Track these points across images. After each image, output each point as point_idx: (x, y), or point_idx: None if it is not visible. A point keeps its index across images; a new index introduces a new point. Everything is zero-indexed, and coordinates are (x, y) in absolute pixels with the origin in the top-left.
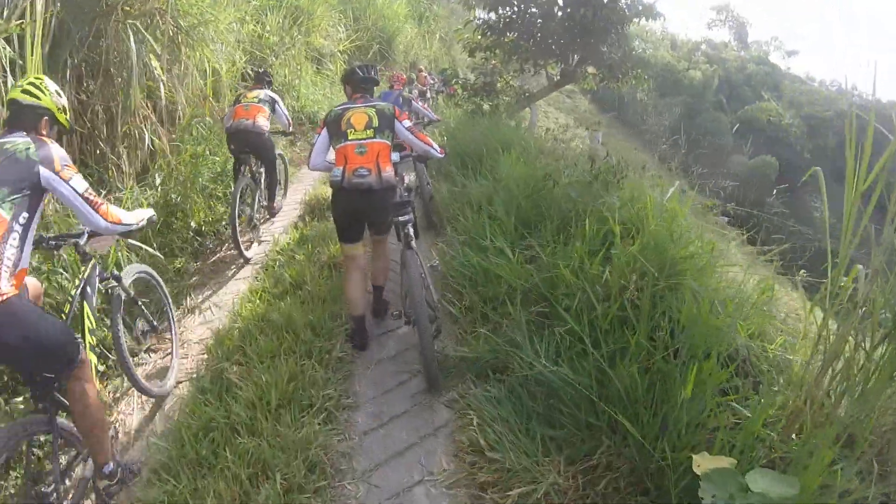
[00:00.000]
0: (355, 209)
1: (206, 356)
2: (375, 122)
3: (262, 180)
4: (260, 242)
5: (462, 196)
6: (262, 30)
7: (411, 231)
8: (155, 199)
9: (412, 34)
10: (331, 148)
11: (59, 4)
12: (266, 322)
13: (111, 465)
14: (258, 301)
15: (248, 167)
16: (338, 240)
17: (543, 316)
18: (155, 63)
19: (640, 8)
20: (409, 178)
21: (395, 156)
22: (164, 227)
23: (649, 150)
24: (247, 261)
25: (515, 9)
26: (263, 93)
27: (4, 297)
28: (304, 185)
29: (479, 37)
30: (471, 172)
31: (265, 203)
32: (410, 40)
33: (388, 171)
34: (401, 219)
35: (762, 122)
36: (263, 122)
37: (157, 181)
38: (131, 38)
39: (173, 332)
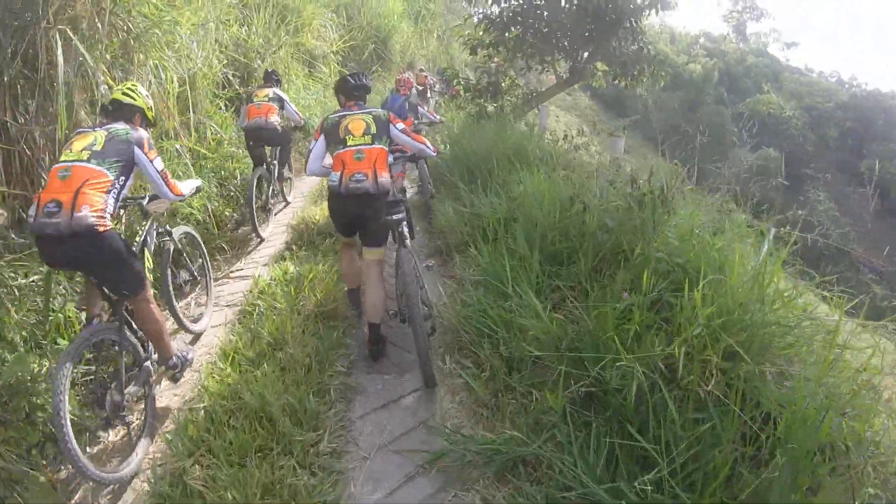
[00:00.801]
0: (351, 213)
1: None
2: (373, 129)
3: (276, 171)
4: (271, 225)
5: (472, 219)
6: (249, 31)
7: (405, 230)
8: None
9: (409, 33)
10: (328, 154)
11: None
12: (237, 402)
13: (174, 359)
14: (229, 369)
15: (263, 159)
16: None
17: (587, 396)
18: (103, 75)
19: None
20: (402, 182)
21: (390, 157)
22: None
23: (652, 146)
24: (262, 240)
25: (520, 0)
26: (272, 91)
27: (107, 227)
28: (294, 205)
29: (481, 33)
30: (479, 187)
31: (279, 190)
32: (407, 40)
33: (385, 177)
34: (394, 217)
35: (763, 115)
36: (275, 118)
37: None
38: (58, 48)
39: (209, 284)
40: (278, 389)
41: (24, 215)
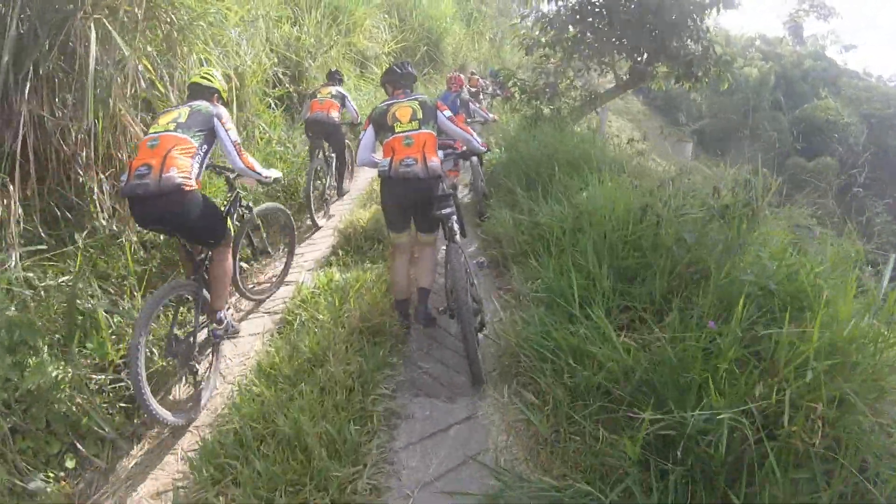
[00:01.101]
0: (402, 198)
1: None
2: (420, 115)
3: (333, 164)
4: (329, 217)
5: (531, 228)
6: (301, 30)
7: (455, 225)
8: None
9: (460, 35)
10: (377, 143)
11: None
12: (270, 427)
13: (222, 312)
14: (263, 387)
15: (321, 151)
16: (386, 229)
17: (664, 439)
18: (145, 68)
19: None
20: (455, 180)
21: (439, 153)
22: None
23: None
24: (318, 227)
25: None
26: (335, 89)
27: (192, 188)
28: (343, 206)
29: (537, 32)
30: (539, 194)
31: (335, 184)
32: (459, 41)
33: (434, 161)
34: (443, 212)
35: (821, 121)
36: (336, 114)
37: None
38: (92, 39)
39: (291, 258)
40: (316, 414)
41: (59, 213)
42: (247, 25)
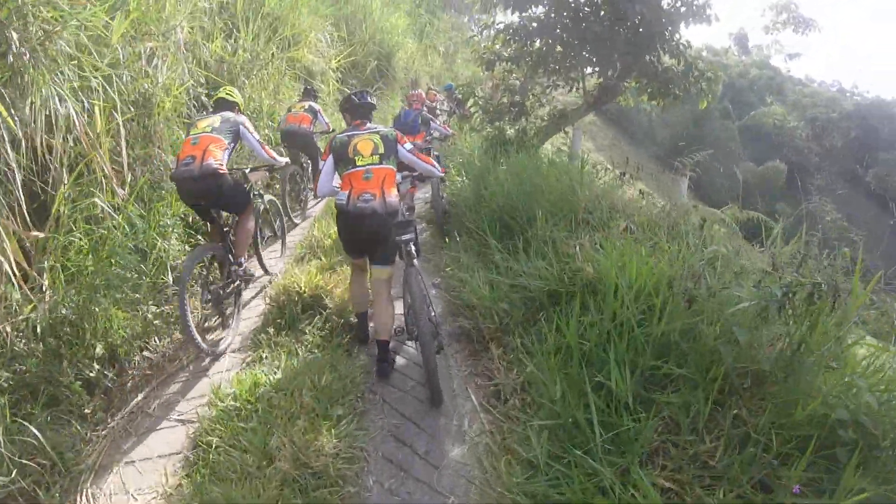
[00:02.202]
0: (359, 232)
1: None
2: (381, 149)
3: (308, 169)
4: (305, 219)
5: (511, 292)
6: (235, 45)
7: (413, 249)
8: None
9: (413, 49)
10: (336, 174)
11: None
12: None
13: (243, 258)
14: None
15: (296, 160)
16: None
17: None
18: None
19: (694, 7)
20: (412, 199)
21: (398, 176)
22: None
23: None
24: (295, 225)
25: (545, 8)
26: (308, 104)
27: (224, 171)
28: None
29: (499, 45)
30: (518, 245)
31: (311, 186)
32: (411, 55)
33: (393, 197)
34: (404, 237)
35: (768, 127)
36: (308, 127)
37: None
38: None
39: (284, 241)
40: None
41: None
42: (157, 39)
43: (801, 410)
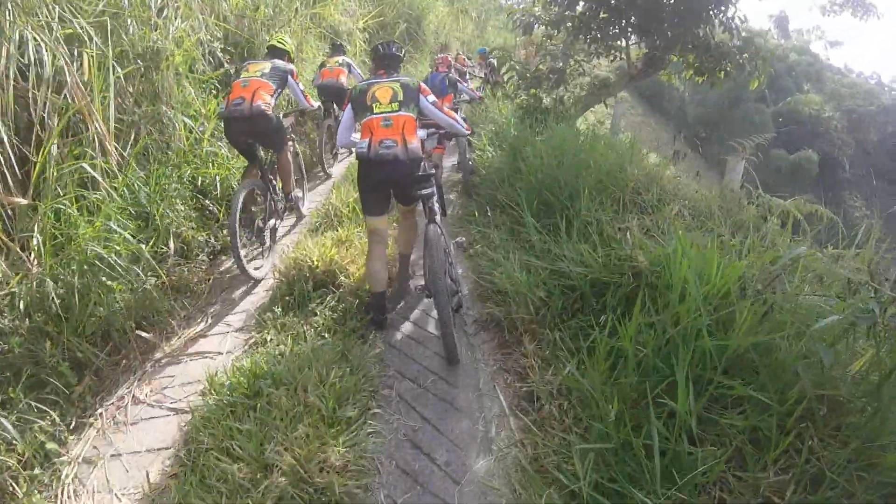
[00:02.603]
0: (381, 180)
1: None
2: (400, 96)
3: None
4: (337, 163)
5: (551, 278)
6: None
7: (435, 206)
8: None
9: (444, 13)
10: (357, 124)
11: None
12: None
13: (292, 195)
14: None
15: (332, 112)
16: (362, 213)
17: None
18: None
19: None
20: (441, 157)
21: (423, 132)
22: None
23: (688, 143)
24: (329, 176)
25: None
26: (342, 58)
27: (270, 113)
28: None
29: (539, 8)
30: (560, 226)
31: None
32: (442, 19)
33: (414, 144)
34: (423, 192)
35: (804, 115)
36: (343, 79)
37: None
38: None
39: (304, 183)
40: None
41: None
42: None
43: (892, 456)
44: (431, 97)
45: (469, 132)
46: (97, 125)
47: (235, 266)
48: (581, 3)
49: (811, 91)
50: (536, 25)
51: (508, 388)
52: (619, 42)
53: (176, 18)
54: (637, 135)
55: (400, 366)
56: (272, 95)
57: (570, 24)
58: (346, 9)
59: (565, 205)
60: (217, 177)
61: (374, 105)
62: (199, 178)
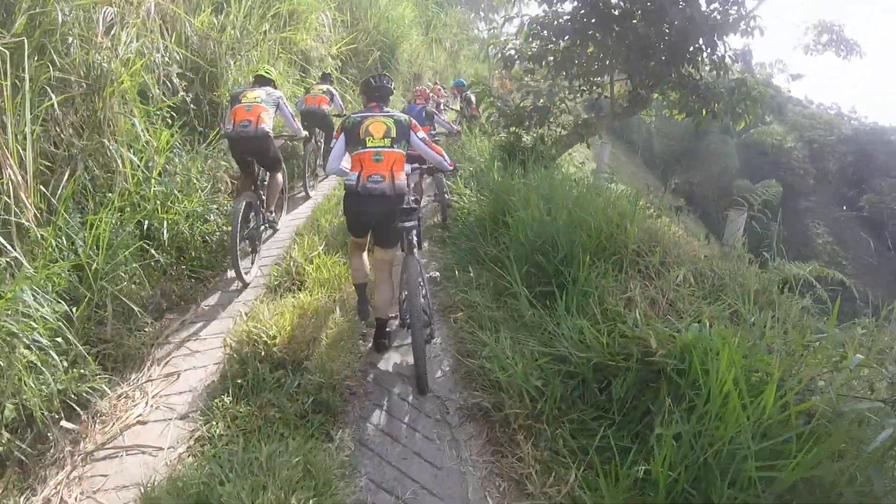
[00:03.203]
0: (366, 212)
1: None
2: (393, 133)
3: (322, 146)
4: (314, 188)
5: (554, 379)
6: (223, 20)
7: (415, 238)
8: None
9: (417, 42)
10: (346, 154)
11: None
12: None
13: (273, 214)
14: None
15: (314, 136)
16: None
17: None
18: None
19: (739, 16)
20: (418, 193)
21: (407, 167)
22: None
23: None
24: (309, 197)
25: (576, 2)
26: (326, 87)
27: (270, 135)
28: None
29: (520, 41)
30: (558, 299)
31: (322, 162)
32: (416, 48)
33: (401, 180)
34: (406, 224)
35: (766, 146)
36: (326, 107)
37: None
38: None
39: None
40: None
41: None
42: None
43: None
44: (422, 133)
45: (452, 168)
46: (11, 172)
47: (231, 270)
48: (565, 38)
49: (774, 122)
50: (517, 60)
51: (503, 499)
52: (602, 79)
53: (126, 38)
54: (620, 178)
55: (374, 471)
56: (271, 119)
57: (551, 58)
58: (319, 34)
59: (559, 269)
60: (165, 221)
61: (367, 139)
62: (154, 222)
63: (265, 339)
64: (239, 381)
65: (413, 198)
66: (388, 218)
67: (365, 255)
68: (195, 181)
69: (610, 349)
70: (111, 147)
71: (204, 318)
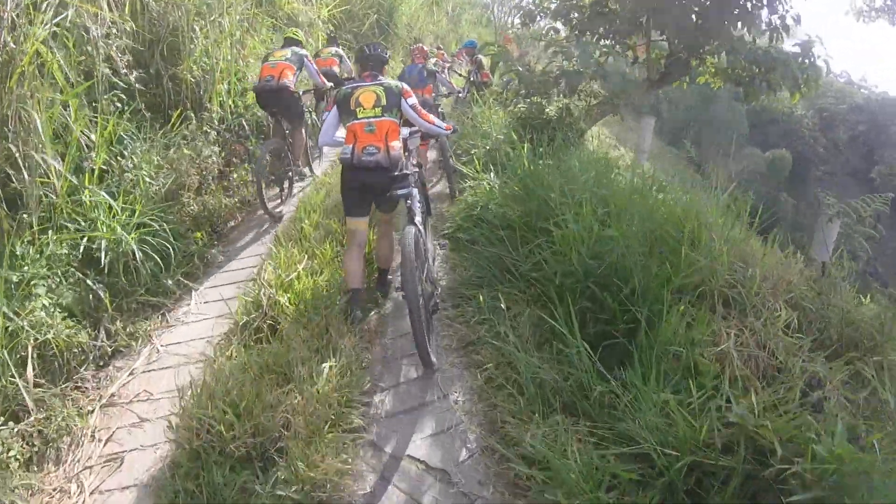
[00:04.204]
0: (363, 185)
1: None
2: (384, 101)
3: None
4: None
5: (632, 488)
6: None
7: (416, 205)
8: None
9: (416, 5)
10: (341, 125)
11: None
12: None
13: (300, 164)
14: None
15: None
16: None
17: None
18: None
19: None
20: (426, 153)
21: (405, 130)
22: None
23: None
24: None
25: None
26: (334, 49)
27: (292, 90)
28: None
29: None
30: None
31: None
32: (415, 12)
33: (396, 150)
34: (399, 192)
35: (776, 114)
36: (336, 69)
37: None
38: None
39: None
40: None
41: None
42: None
43: None
44: (412, 99)
45: (449, 131)
46: None
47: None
48: None
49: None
50: (541, 16)
51: None
52: (634, 39)
53: (48, 8)
54: (615, 133)
55: None
56: (294, 75)
57: (575, 14)
58: None
59: (629, 307)
60: (104, 241)
61: (357, 110)
62: (81, 245)
63: (220, 428)
64: (191, 487)
65: (414, 162)
66: (385, 188)
67: (362, 254)
68: (149, 180)
69: (706, 439)
70: (19, 149)
71: (158, 363)
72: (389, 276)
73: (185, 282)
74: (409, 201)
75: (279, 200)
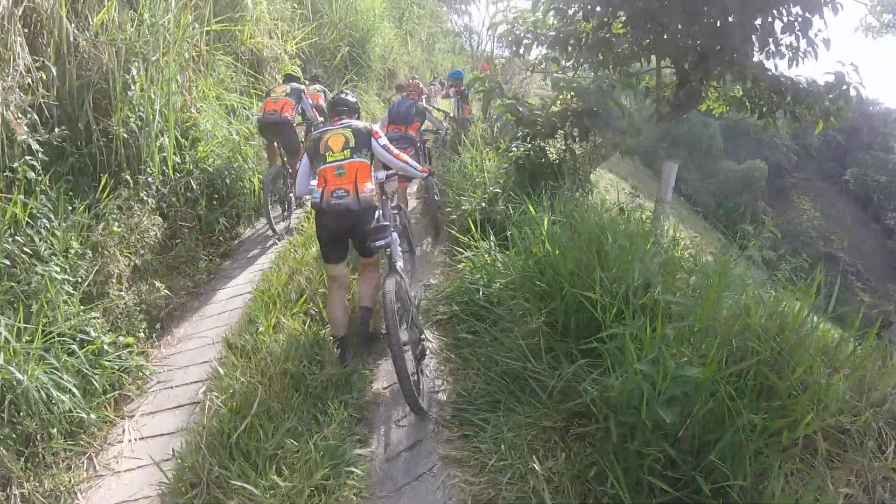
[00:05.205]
0: (336, 229)
1: None
2: (352, 142)
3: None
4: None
5: None
6: (133, 16)
7: (397, 253)
8: None
9: (390, 35)
10: (312, 172)
11: None
12: None
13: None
14: None
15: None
16: (322, 260)
17: None
18: None
19: None
20: (405, 193)
21: (382, 174)
22: None
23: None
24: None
25: None
26: (318, 87)
27: (293, 123)
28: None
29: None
30: None
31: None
32: (388, 42)
33: (367, 192)
34: (378, 244)
35: (748, 126)
36: (322, 102)
37: None
38: None
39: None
40: None
41: None
42: None
43: None
44: (383, 140)
45: (426, 174)
46: None
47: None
48: (598, 9)
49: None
50: (534, 43)
51: None
52: (638, 67)
53: None
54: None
55: None
56: (293, 109)
57: (572, 40)
58: (270, 29)
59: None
60: None
61: (326, 154)
62: None
63: None
64: None
65: (393, 204)
66: (359, 231)
67: (344, 299)
68: (64, 274)
69: None
70: None
71: None
72: (371, 326)
73: (110, 416)
74: (388, 249)
75: (281, 221)
